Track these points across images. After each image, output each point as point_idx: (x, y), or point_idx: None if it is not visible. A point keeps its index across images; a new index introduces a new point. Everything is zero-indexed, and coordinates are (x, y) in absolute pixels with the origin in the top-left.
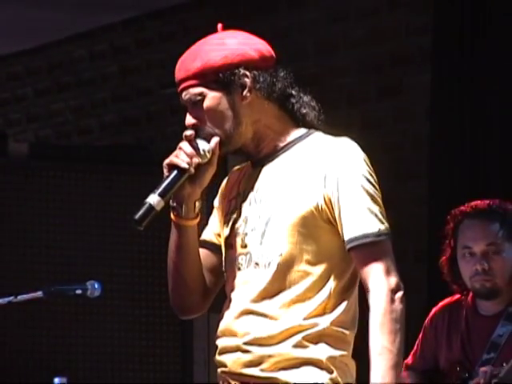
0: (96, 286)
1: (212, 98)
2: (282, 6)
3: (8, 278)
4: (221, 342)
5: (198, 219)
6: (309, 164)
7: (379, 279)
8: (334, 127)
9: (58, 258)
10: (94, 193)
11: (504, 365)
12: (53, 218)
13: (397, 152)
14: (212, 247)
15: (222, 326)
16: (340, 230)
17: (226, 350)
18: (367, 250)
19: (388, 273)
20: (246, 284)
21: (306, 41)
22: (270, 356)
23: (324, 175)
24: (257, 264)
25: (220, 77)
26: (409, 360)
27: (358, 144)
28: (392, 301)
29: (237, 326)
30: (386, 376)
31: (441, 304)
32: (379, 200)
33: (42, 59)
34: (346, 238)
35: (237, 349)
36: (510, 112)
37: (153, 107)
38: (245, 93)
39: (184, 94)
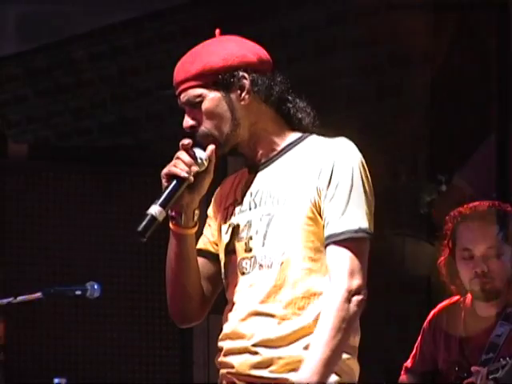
0: (95, 287)
1: (211, 99)
2: (282, 6)
3: (8, 278)
4: (226, 344)
5: (196, 227)
6: (306, 163)
7: (341, 277)
8: (333, 128)
9: (57, 259)
10: (93, 193)
11: (501, 360)
12: (52, 218)
13: (396, 152)
14: (209, 255)
15: (227, 329)
16: (322, 224)
17: (233, 352)
18: (340, 246)
19: (352, 273)
20: (252, 286)
21: (305, 41)
22: (279, 358)
23: (319, 170)
24: (261, 266)
25: (219, 78)
26: (408, 363)
27: (357, 144)
28: (347, 300)
29: (244, 329)
30: (314, 369)
31: (439, 306)
32: (365, 201)
33: (41, 60)
34: (326, 234)
35: (245, 350)
36: (509, 111)
37: (152, 108)
38: (243, 95)
39: (183, 95)
